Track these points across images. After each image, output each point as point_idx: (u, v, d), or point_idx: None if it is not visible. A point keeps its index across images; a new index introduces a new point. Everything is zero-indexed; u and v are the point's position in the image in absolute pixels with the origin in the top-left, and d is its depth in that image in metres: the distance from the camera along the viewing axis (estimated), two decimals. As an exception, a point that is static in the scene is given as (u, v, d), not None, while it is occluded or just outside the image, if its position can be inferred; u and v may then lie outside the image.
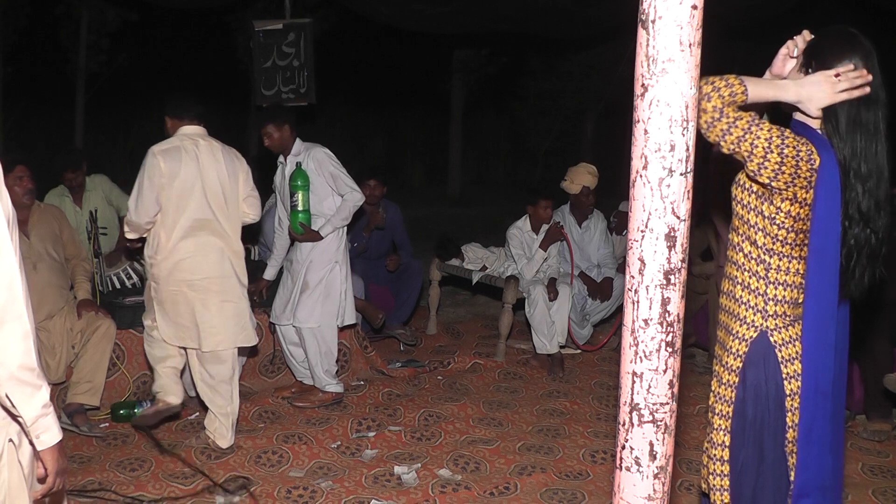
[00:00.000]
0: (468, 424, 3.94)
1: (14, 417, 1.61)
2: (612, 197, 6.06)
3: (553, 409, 4.19)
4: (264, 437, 3.67)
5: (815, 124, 1.88)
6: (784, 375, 1.90)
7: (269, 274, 4.30)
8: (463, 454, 3.58)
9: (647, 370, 1.38)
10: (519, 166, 14.89)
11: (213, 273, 3.42)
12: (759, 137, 1.74)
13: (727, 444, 1.98)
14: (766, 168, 1.76)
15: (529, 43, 10.71)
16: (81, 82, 9.81)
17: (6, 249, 1.53)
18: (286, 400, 4.14)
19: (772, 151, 1.74)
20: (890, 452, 3.67)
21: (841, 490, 2.05)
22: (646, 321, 1.37)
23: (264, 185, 5.81)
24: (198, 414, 3.89)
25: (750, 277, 1.93)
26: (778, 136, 1.75)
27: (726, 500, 1.99)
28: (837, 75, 1.81)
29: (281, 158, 4.09)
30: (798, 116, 1.92)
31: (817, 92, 1.82)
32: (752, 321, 1.94)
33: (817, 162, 1.80)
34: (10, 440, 1.64)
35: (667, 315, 1.36)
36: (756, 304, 1.93)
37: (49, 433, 1.60)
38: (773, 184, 1.79)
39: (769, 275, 1.90)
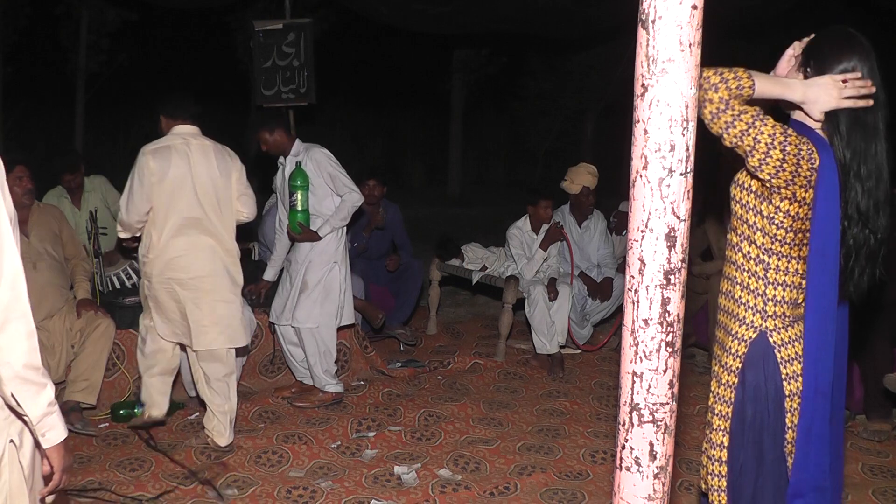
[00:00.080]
0: (468, 424, 3.94)
1: (20, 416, 1.62)
2: (612, 197, 6.06)
3: (553, 409, 4.19)
4: (264, 437, 3.67)
5: (815, 124, 1.88)
6: (783, 376, 1.90)
7: (269, 275, 4.30)
8: (463, 454, 3.58)
9: (647, 370, 1.38)
10: (519, 166, 14.89)
11: (204, 272, 3.43)
12: (762, 133, 1.74)
13: (726, 444, 1.98)
14: (767, 164, 1.76)
15: (529, 43, 10.71)
16: (81, 82, 9.82)
17: (10, 248, 1.54)
18: (286, 400, 4.14)
19: (774, 148, 1.74)
20: (890, 452, 3.67)
21: (840, 490, 2.06)
22: (646, 321, 1.37)
23: (265, 185, 5.83)
24: (198, 414, 3.89)
25: (749, 278, 1.93)
26: (781, 133, 1.75)
27: (724, 501, 1.99)
28: (845, 81, 1.82)
29: (281, 159, 4.09)
30: (797, 116, 1.93)
31: (823, 95, 1.82)
32: (752, 321, 1.94)
33: (817, 161, 1.80)
34: (11, 441, 1.64)
35: (667, 315, 1.36)
36: (755, 305, 1.93)
37: (55, 431, 1.61)
38: (774, 181, 1.79)
39: (768, 275, 1.90)
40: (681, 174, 1.33)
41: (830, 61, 1.85)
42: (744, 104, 1.74)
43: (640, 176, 1.35)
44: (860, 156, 1.83)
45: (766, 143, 1.74)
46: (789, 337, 1.92)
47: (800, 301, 1.93)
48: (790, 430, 1.92)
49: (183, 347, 3.63)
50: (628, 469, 1.42)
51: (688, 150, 1.34)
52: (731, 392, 1.97)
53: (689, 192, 1.35)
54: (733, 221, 1.97)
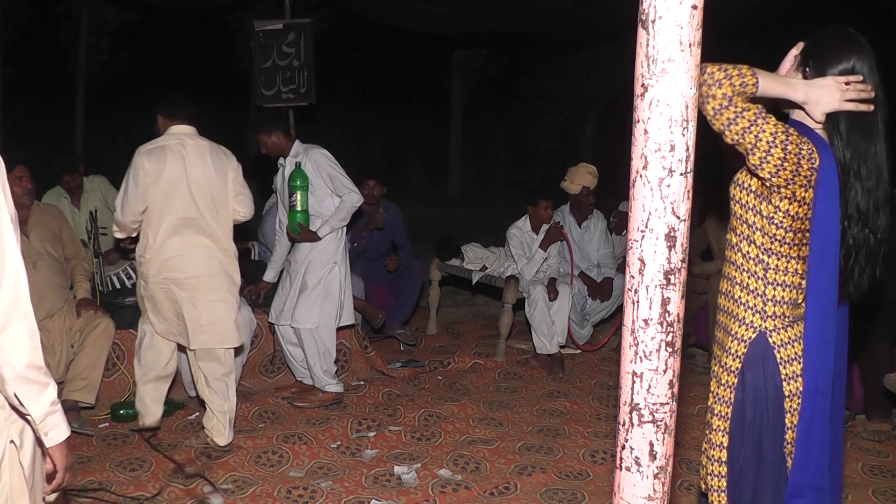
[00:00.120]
0: (468, 424, 3.94)
1: (23, 416, 1.62)
2: (612, 197, 6.06)
3: (553, 409, 4.19)
4: (264, 437, 3.67)
5: (815, 124, 1.88)
6: (783, 376, 1.90)
7: (269, 276, 4.30)
8: (463, 454, 3.58)
9: (647, 370, 1.38)
10: (519, 166, 14.90)
11: (200, 271, 3.43)
12: (764, 131, 1.73)
13: (725, 444, 1.98)
14: (768, 163, 1.76)
15: (529, 43, 10.71)
16: (81, 82, 9.82)
17: (12, 249, 1.55)
18: (286, 400, 4.14)
19: (776, 146, 1.74)
20: (890, 452, 3.67)
21: (840, 491, 2.05)
22: (646, 321, 1.37)
23: (265, 185, 5.83)
24: (198, 413, 3.89)
25: (748, 278, 1.93)
26: (783, 132, 1.75)
27: (724, 501, 1.99)
28: (848, 83, 1.82)
29: (281, 160, 4.10)
30: (796, 116, 1.92)
31: (825, 96, 1.82)
32: (751, 322, 1.94)
33: (817, 161, 1.80)
34: (12, 441, 1.64)
35: (667, 315, 1.36)
36: (755, 305, 1.93)
37: (57, 430, 1.62)
38: (774, 180, 1.79)
39: (767, 275, 1.90)
40: (681, 174, 1.33)
41: (830, 61, 1.86)
42: (746, 101, 1.74)
43: (640, 176, 1.35)
44: (860, 156, 1.83)
45: (767, 142, 1.74)
46: (789, 337, 1.92)
47: (799, 301, 1.93)
48: (790, 431, 1.91)
49: (182, 348, 3.63)
50: (628, 469, 1.42)
51: (688, 150, 1.34)
52: (731, 392, 1.97)
53: (689, 192, 1.35)
54: (733, 221, 1.97)
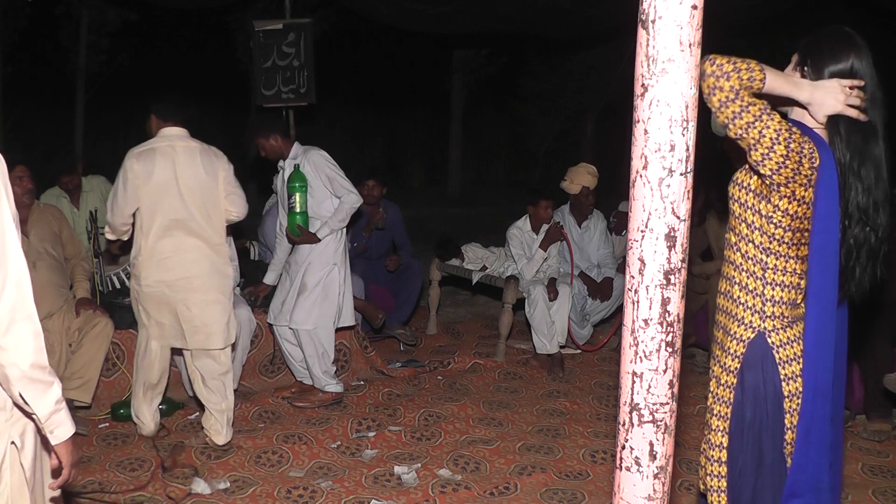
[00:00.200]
0: (468, 424, 3.94)
1: (28, 415, 1.63)
2: (612, 197, 6.06)
3: (553, 409, 4.19)
4: (264, 437, 3.67)
5: (814, 124, 1.89)
6: (782, 377, 1.90)
7: (269, 279, 4.31)
8: (463, 454, 3.58)
9: (647, 370, 1.38)
10: (519, 166, 14.91)
11: (192, 272, 3.44)
12: (768, 127, 1.73)
13: (725, 444, 1.98)
14: (770, 159, 1.76)
15: (529, 43, 10.72)
16: (81, 82, 9.82)
17: (15, 249, 1.55)
18: (286, 400, 4.14)
19: (779, 143, 1.74)
20: (890, 452, 3.67)
21: (839, 491, 2.05)
22: (646, 321, 1.37)
23: (265, 186, 5.82)
24: (198, 414, 3.89)
25: (747, 278, 1.93)
26: (786, 130, 1.75)
27: (723, 501, 2.00)
28: (852, 88, 1.82)
29: (281, 163, 4.10)
30: (795, 115, 1.93)
31: (829, 99, 1.82)
32: (750, 322, 1.94)
33: (818, 161, 1.80)
34: (13, 442, 1.64)
35: (667, 315, 1.36)
36: (754, 305, 1.93)
37: (63, 428, 1.63)
38: (775, 177, 1.79)
39: (766, 275, 1.90)
40: (681, 174, 1.33)
41: (828, 60, 1.86)
42: (752, 97, 1.74)
43: (640, 176, 1.35)
44: (859, 155, 1.84)
45: (770, 139, 1.73)
46: (788, 338, 1.91)
47: (798, 301, 1.93)
48: (789, 431, 1.92)
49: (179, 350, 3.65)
50: (628, 469, 1.42)
51: (688, 150, 1.34)
52: (730, 392, 1.97)
53: (689, 192, 1.35)
54: (732, 221, 1.97)
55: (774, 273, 1.89)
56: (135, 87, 10.54)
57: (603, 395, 4.40)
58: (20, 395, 1.56)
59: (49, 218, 3.92)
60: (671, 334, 1.37)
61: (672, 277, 1.36)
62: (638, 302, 1.37)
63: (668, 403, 1.39)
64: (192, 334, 3.47)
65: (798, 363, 1.90)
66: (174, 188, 3.40)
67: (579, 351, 5.07)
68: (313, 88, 5.93)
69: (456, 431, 3.86)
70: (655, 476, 1.41)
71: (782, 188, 1.81)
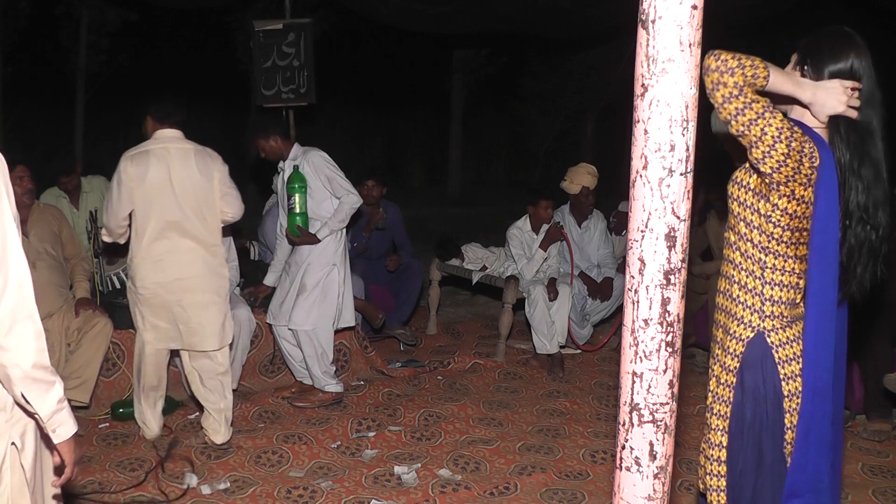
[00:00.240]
0: (468, 424, 3.94)
1: (30, 414, 1.63)
2: (612, 197, 6.06)
3: (553, 409, 4.19)
4: (264, 437, 3.67)
5: (814, 123, 1.89)
6: (781, 376, 1.90)
7: (270, 280, 4.31)
8: (463, 454, 3.58)
9: (647, 370, 1.38)
10: (519, 166, 14.91)
11: (187, 274, 3.45)
12: (770, 125, 1.73)
13: (724, 444, 1.98)
14: (770, 157, 1.76)
15: (529, 43, 10.72)
16: (81, 82, 9.82)
17: (16, 250, 1.55)
18: (286, 400, 4.14)
19: (780, 142, 1.74)
20: (890, 452, 3.67)
21: (839, 491, 2.05)
22: (646, 321, 1.37)
23: (265, 186, 5.82)
24: (197, 413, 3.89)
25: (747, 277, 1.93)
26: (788, 129, 1.75)
27: (723, 501, 2.00)
28: (854, 89, 1.82)
29: (281, 164, 4.10)
30: (795, 114, 1.93)
31: (831, 99, 1.83)
32: (749, 321, 1.94)
33: (818, 160, 1.80)
34: (13, 443, 1.64)
35: (667, 315, 1.37)
36: (753, 304, 1.93)
37: (65, 426, 1.64)
38: (775, 175, 1.78)
39: (765, 274, 1.90)
40: (681, 174, 1.33)
41: (828, 60, 1.86)
42: (756, 94, 1.74)
43: (640, 176, 1.35)
44: (859, 154, 1.84)
45: (772, 137, 1.73)
46: (787, 337, 1.91)
47: (797, 301, 1.93)
48: (790, 431, 1.91)
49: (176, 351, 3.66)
50: (628, 469, 1.42)
51: (688, 150, 1.34)
52: (730, 392, 1.97)
53: (689, 192, 1.35)
54: (731, 220, 1.97)
55: (773, 273, 1.89)
56: (135, 87, 10.54)
57: (603, 395, 4.40)
58: (22, 395, 1.57)
59: (49, 218, 3.92)
60: (671, 334, 1.37)
61: (672, 277, 1.36)
62: (638, 302, 1.37)
63: (668, 403, 1.39)
64: (187, 336, 3.49)
65: (797, 363, 1.90)
66: (169, 190, 3.42)
67: (579, 351, 5.07)
68: (313, 88, 5.93)
69: (456, 431, 3.86)
70: (655, 476, 1.41)
71: (782, 187, 1.81)
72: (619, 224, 5.52)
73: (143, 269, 3.44)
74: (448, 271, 5.50)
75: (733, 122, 1.75)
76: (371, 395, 4.28)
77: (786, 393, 1.90)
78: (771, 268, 1.89)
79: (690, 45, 1.30)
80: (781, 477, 1.92)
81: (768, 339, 1.91)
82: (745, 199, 1.91)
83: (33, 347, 1.56)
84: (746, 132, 1.75)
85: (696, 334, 4.80)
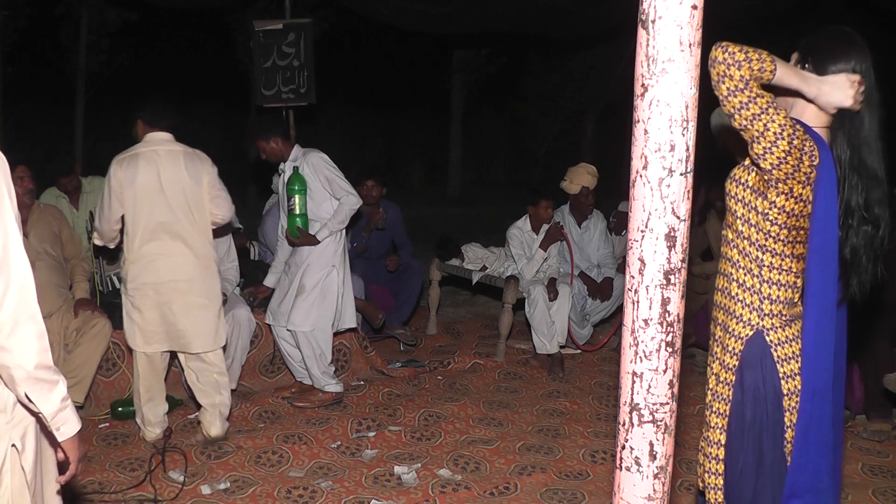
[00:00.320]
0: (468, 424, 3.94)
1: (34, 414, 1.64)
2: (612, 197, 6.07)
3: (553, 409, 4.19)
4: (264, 437, 3.67)
5: (815, 123, 1.89)
6: (781, 375, 1.90)
7: (270, 281, 4.31)
8: (463, 454, 3.58)
9: (647, 370, 1.38)
10: (519, 166, 14.91)
11: (177, 276, 3.47)
12: (773, 121, 1.73)
13: (723, 442, 1.98)
14: (771, 153, 1.75)
15: (529, 43, 10.72)
16: (81, 82, 9.83)
17: (18, 250, 1.55)
18: (286, 400, 4.14)
19: (782, 139, 1.74)
20: (890, 452, 3.67)
21: (839, 491, 2.05)
22: (646, 321, 1.37)
23: (265, 187, 5.82)
24: (197, 413, 3.88)
25: (745, 275, 1.93)
26: (790, 126, 1.75)
27: (720, 498, 2.00)
28: (860, 82, 1.82)
29: (282, 166, 4.10)
30: (794, 113, 1.93)
31: (837, 93, 1.81)
32: (749, 319, 1.93)
33: (817, 160, 1.81)
34: (13, 445, 1.64)
35: (667, 315, 1.37)
36: (752, 303, 1.93)
37: (69, 424, 1.65)
38: (775, 172, 1.78)
39: (763, 272, 1.90)
40: (681, 174, 1.34)
41: (829, 59, 1.86)
42: (761, 88, 1.73)
43: (640, 176, 1.35)
44: (860, 152, 1.85)
45: (774, 133, 1.73)
46: (787, 336, 1.91)
47: (796, 300, 1.93)
48: (790, 430, 1.91)
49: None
50: (628, 469, 1.42)
51: (688, 150, 1.34)
52: (729, 390, 1.97)
53: (689, 192, 1.35)
54: (728, 218, 1.97)
55: (771, 271, 1.89)
56: (135, 87, 10.56)
57: (603, 395, 4.40)
58: (26, 395, 1.57)
59: (49, 218, 3.93)
60: (671, 334, 1.37)
61: (672, 277, 1.36)
62: (638, 302, 1.37)
63: (668, 403, 1.39)
64: (175, 338, 3.51)
65: (797, 361, 1.90)
66: (158, 192, 3.43)
67: (579, 351, 5.07)
68: (313, 88, 5.94)
69: (456, 431, 3.86)
70: (655, 476, 1.41)
71: (780, 184, 1.80)
72: (619, 224, 5.52)
73: (135, 270, 3.47)
74: (448, 271, 5.50)
75: (737, 116, 1.74)
76: (371, 395, 4.28)
77: (785, 392, 1.90)
78: (769, 266, 1.89)
79: (690, 45, 1.30)
80: (781, 477, 1.92)
81: (767, 338, 1.91)
82: (743, 197, 1.91)
83: (36, 348, 1.56)
84: (749, 127, 1.74)
85: (696, 334, 4.80)
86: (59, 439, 1.65)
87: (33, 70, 10.88)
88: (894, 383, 3.57)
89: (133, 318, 3.52)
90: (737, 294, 1.95)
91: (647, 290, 1.36)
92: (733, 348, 1.96)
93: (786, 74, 1.76)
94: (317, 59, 5.96)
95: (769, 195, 1.84)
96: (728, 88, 1.71)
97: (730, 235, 1.97)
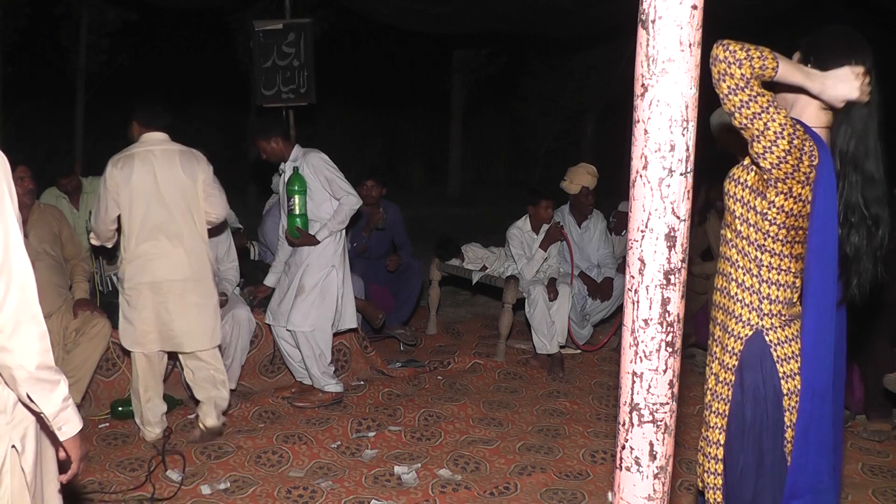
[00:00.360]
0: (468, 424, 3.94)
1: (36, 414, 1.64)
2: (612, 197, 6.07)
3: (553, 409, 4.19)
4: (264, 437, 3.67)
5: (814, 123, 1.89)
6: (781, 375, 1.90)
7: (270, 281, 4.31)
8: (463, 454, 3.58)
9: (647, 370, 1.38)
10: (519, 166, 14.92)
11: (173, 275, 3.48)
12: (773, 120, 1.72)
13: (722, 442, 1.98)
14: (771, 153, 1.75)
15: (529, 43, 10.73)
16: (81, 82, 9.83)
17: (19, 251, 1.55)
18: (286, 400, 4.14)
19: (782, 138, 1.73)
20: (890, 452, 3.67)
21: (839, 491, 2.05)
22: (646, 321, 1.37)
23: (265, 187, 5.82)
24: (197, 413, 3.88)
25: (744, 274, 1.93)
26: (791, 126, 1.75)
27: (719, 498, 2.00)
28: (864, 73, 1.81)
29: (282, 166, 4.10)
30: (794, 113, 1.93)
31: (842, 86, 1.80)
32: (748, 319, 1.93)
33: (817, 160, 1.80)
34: (13, 446, 1.64)
35: (667, 315, 1.37)
36: (751, 302, 1.93)
37: (70, 424, 1.65)
38: (774, 171, 1.78)
39: (762, 272, 1.90)
40: (681, 174, 1.33)
41: (831, 58, 1.86)
42: (762, 87, 1.73)
43: (640, 176, 1.35)
44: (858, 154, 1.85)
45: (774, 132, 1.73)
46: (786, 336, 1.91)
47: (794, 300, 1.93)
48: (790, 429, 1.91)
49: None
50: (628, 469, 1.42)
51: (688, 150, 1.34)
52: (729, 390, 1.97)
53: (689, 192, 1.35)
54: (727, 217, 1.97)
55: (770, 271, 1.89)
56: (135, 87, 10.56)
57: (603, 395, 4.40)
58: (28, 396, 1.57)
59: (49, 218, 3.93)
60: (671, 334, 1.37)
61: (672, 277, 1.36)
62: (638, 302, 1.37)
63: (668, 403, 1.39)
64: (169, 338, 3.52)
65: (796, 361, 1.90)
66: (154, 192, 3.44)
67: (579, 351, 5.07)
68: (313, 88, 5.93)
69: (456, 431, 3.86)
70: (655, 476, 1.41)
71: (779, 184, 1.80)
72: (619, 224, 5.52)
73: (131, 270, 3.48)
74: (448, 271, 5.50)
75: (737, 115, 1.74)
76: (371, 395, 4.28)
77: (785, 391, 1.90)
78: (768, 266, 1.89)
79: (690, 45, 1.30)
80: (782, 477, 1.92)
81: (767, 338, 1.91)
82: (742, 196, 1.91)
83: (37, 349, 1.56)
84: (749, 125, 1.74)
85: (696, 334, 4.80)
86: (61, 439, 1.66)
87: (33, 70, 10.88)
88: (894, 383, 3.57)
89: (128, 317, 3.53)
90: (736, 294, 1.95)
91: (647, 290, 1.36)
92: (732, 348, 1.96)
93: (788, 71, 1.75)
94: (317, 59, 5.96)
95: (768, 195, 1.84)
96: (728, 87, 1.71)
97: (729, 235, 1.96)
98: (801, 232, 1.86)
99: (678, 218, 1.34)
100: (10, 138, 10.11)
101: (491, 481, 3.31)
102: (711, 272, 4.59)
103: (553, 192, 5.18)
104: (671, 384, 1.39)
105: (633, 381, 1.39)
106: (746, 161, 1.90)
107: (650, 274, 1.35)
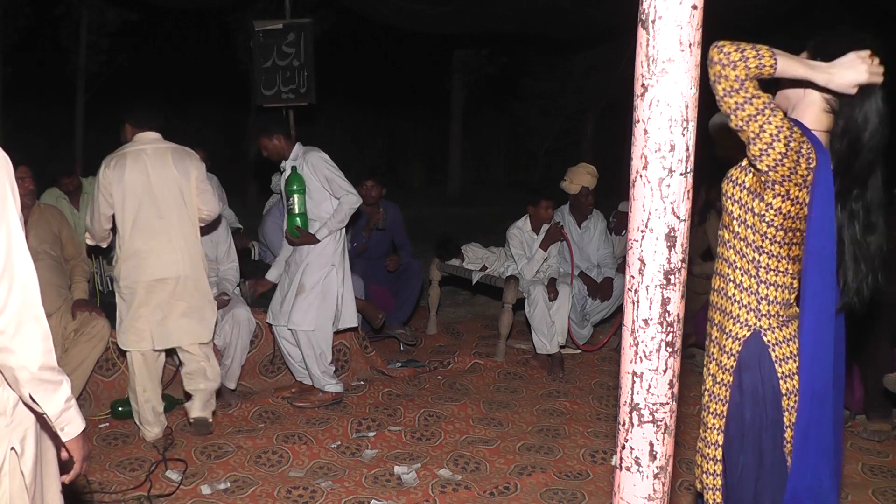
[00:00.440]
0: (468, 424, 3.94)
1: (38, 414, 1.64)
2: (612, 197, 6.07)
3: (553, 409, 4.19)
4: (264, 437, 3.67)
5: (813, 125, 1.88)
6: (779, 375, 1.90)
7: (272, 276, 4.32)
8: (463, 454, 3.58)
9: (647, 370, 1.38)
10: (519, 166, 14.93)
11: (166, 273, 3.49)
12: (769, 122, 1.72)
13: (721, 443, 1.98)
14: (767, 155, 1.75)
15: (529, 43, 10.73)
16: (81, 82, 9.84)
17: (21, 251, 1.55)
18: (286, 400, 4.14)
19: (779, 140, 1.73)
20: (890, 452, 3.67)
21: (839, 492, 2.05)
22: (646, 321, 1.37)
23: (265, 186, 5.82)
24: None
25: (742, 275, 1.93)
26: (787, 128, 1.74)
27: (719, 500, 2.00)
28: (871, 55, 1.77)
29: (283, 164, 4.10)
30: (795, 115, 1.92)
31: (850, 72, 1.76)
32: (746, 320, 1.93)
33: (814, 162, 1.80)
34: (13, 448, 1.64)
35: (667, 315, 1.37)
36: (749, 303, 1.93)
37: (73, 424, 1.65)
38: (771, 174, 1.78)
39: (760, 273, 1.90)
40: (681, 174, 1.34)
41: (838, 55, 1.85)
42: (758, 88, 1.72)
43: (640, 176, 1.35)
44: (857, 155, 1.85)
45: (771, 134, 1.73)
46: (784, 336, 1.91)
47: (792, 301, 1.93)
48: (789, 429, 1.91)
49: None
50: (628, 469, 1.42)
51: (688, 150, 1.34)
52: (726, 390, 1.97)
53: (689, 192, 1.35)
54: (725, 218, 1.97)
55: (767, 272, 1.89)
56: (135, 86, 10.57)
57: (603, 395, 4.40)
58: (30, 396, 1.57)
59: (49, 218, 3.93)
60: (671, 334, 1.37)
61: (672, 277, 1.36)
62: (638, 302, 1.37)
63: (668, 403, 1.39)
64: (162, 336, 3.54)
65: (794, 361, 1.90)
66: (147, 190, 3.46)
67: (579, 351, 5.07)
68: (313, 88, 5.94)
69: (456, 431, 3.86)
70: (655, 476, 1.41)
71: (777, 186, 1.80)
72: (619, 224, 5.52)
73: (126, 268, 3.50)
74: (448, 271, 5.50)
75: (733, 117, 1.74)
76: (371, 395, 4.28)
77: (784, 392, 1.90)
78: (765, 267, 1.89)
79: (690, 45, 1.30)
80: (781, 477, 1.92)
81: (765, 338, 1.91)
82: (740, 198, 1.91)
83: (40, 349, 1.55)
84: (745, 127, 1.74)
85: (696, 334, 4.80)
86: (64, 439, 1.65)
87: (33, 70, 10.88)
88: (894, 383, 3.57)
89: (124, 316, 3.54)
90: (733, 295, 1.95)
91: (647, 290, 1.36)
92: (730, 349, 1.96)
93: (790, 66, 1.73)
94: (317, 59, 5.96)
95: (765, 196, 1.83)
96: (724, 89, 1.71)
97: (726, 236, 1.96)
98: (798, 234, 1.86)
99: (678, 218, 1.34)
100: (10, 138, 10.09)
101: (491, 481, 3.31)
102: (711, 272, 4.59)
103: (553, 192, 5.18)
104: (671, 384, 1.39)
105: (633, 381, 1.39)
106: (744, 162, 1.90)
107: (650, 274, 1.36)
